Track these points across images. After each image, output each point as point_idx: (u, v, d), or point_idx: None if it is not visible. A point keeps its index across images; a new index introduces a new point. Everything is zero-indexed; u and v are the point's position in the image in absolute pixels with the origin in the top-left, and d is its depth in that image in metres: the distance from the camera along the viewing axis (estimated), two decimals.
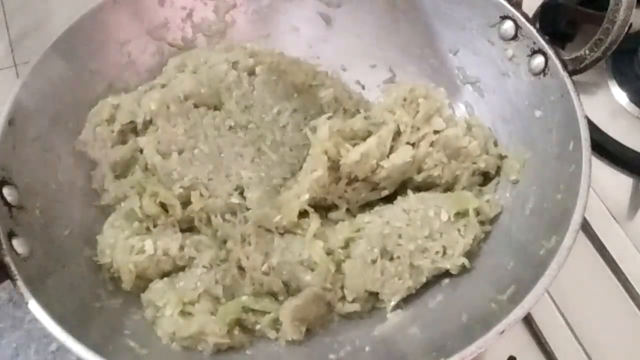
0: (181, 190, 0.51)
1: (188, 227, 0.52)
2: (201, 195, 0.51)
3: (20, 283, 0.40)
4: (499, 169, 0.53)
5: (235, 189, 0.52)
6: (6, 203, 0.44)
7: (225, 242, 0.51)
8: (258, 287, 0.48)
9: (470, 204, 0.49)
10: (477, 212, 0.49)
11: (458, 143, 0.51)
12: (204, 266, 0.48)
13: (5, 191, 0.44)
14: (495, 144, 0.53)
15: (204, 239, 0.50)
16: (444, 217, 0.48)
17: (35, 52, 0.50)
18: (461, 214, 0.49)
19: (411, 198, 0.50)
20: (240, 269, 0.49)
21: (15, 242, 0.43)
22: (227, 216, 0.51)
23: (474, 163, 0.52)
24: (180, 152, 0.52)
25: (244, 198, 0.52)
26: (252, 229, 0.50)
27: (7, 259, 0.41)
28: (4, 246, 0.41)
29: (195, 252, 0.49)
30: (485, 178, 0.54)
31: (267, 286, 0.48)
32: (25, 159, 0.48)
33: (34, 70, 0.49)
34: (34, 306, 0.39)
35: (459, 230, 0.48)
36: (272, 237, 0.50)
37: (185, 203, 0.51)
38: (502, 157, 0.53)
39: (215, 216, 0.51)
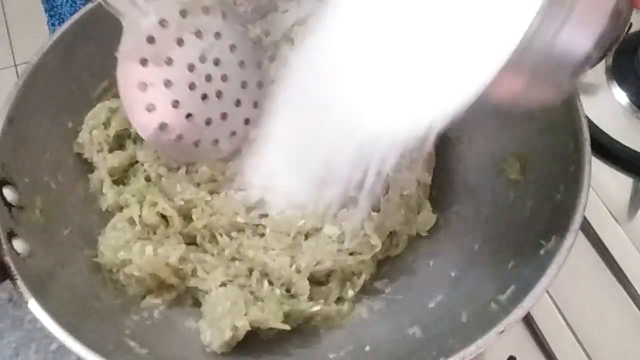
0: (182, 202, 0.51)
1: (193, 242, 0.51)
2: (203, 211, 0.50)
3: (20, 283, 0.40)
4: None
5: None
6: (6, 203, 0.44)
7: (232, 259, 0.50)
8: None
9: None
10: None
11: None
12: (222, 283, 0.48)
13: (5, 191, 0.44)
14: None
15: (209, 258, 0.50)
16: None
17: (35, 52, 0.50)
18: None
19: None
20: (263, 275, 0.49)
21: (15, 242, 0.43)
22: (234, 234, 0.51)
23: None
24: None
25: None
26: (272, 235, 0.49)
27: (7, 259, 0.41)
28: (4, 246, 0.41)
29: (204, 274, 0.48)
30: None
31: (296, 287, 0.48)
32: (25, 159, 0.48)
33: (34, 70, 0.49)
34: (34, 306, 0.39)
35: None
36: (295, 241, 0.49)
37: (187, 216, 0.51)
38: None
39: (221, 235, 0.50)
